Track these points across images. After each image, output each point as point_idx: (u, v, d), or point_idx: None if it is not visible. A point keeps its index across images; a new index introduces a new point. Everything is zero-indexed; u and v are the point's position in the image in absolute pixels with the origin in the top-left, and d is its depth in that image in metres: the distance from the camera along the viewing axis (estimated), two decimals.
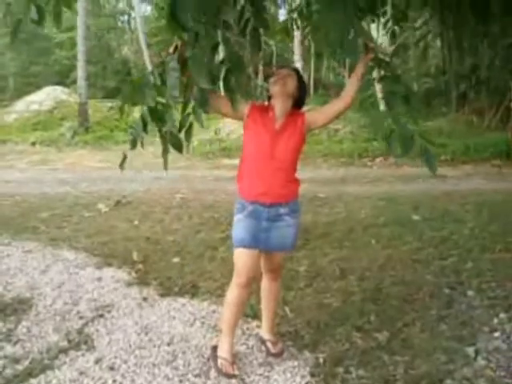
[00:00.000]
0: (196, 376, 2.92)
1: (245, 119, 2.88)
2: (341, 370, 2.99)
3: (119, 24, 32.34)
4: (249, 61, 19.57)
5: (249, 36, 2.91)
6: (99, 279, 4.44)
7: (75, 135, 16.45)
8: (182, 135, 2.76)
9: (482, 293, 4.12)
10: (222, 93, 2.77)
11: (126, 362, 3.07)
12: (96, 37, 27.63)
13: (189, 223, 6.41)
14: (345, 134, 15.23)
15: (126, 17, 32.41)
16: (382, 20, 4.19)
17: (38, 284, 4.30)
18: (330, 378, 2.90)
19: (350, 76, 2.83)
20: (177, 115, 2.65)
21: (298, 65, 16.85)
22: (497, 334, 3.43)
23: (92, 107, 18.09)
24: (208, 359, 3.08)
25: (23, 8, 2.17)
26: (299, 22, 4.68)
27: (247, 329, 3.49)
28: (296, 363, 3.07)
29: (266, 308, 3.23)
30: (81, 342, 3.31)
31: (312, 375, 2.94)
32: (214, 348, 3.08)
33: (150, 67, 16.50)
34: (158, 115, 2.57)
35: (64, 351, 3.18)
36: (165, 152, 2.74)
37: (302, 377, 2.93)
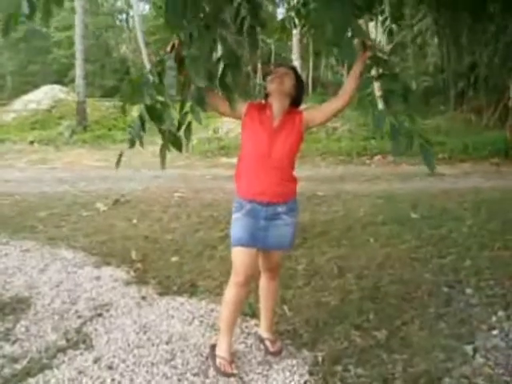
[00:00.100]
0: (195, 375, 2.92)
1: (242, 118, 2.88)
2: (339, 368, 2.99)
3: (117, 23, 32.32)
4: (247, 59, 19.58)
5: (246, 34, 2.91)
6: (98, 278, 4.43)
7: (73, 134, 16.44)
8: (181, 134, 2.76)
9: (481, 291, 4.13)
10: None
11: (124, 361, 3.06)
12: (94, 35, 27.63)
13: (187, 222, 6.40)
14: (343, 133, 15.24)
15: (124, 15, 32.45)
16: (380, 18, 4.20)
17: (36, 283, 4.30)
18: (328, 376, 2.90)
19: (348, 74, 2.83)
20: (175, 114, 2.65)
21: (297, 63, 16.86)
22: (495, 332, 3.43)
23: (90, 106, 18.10)
24: (207, 358, 3.07)
25: (14, 2, 2.15)
26: (297, 21, 4.69)
27: (246, 327, 3.49)
28: (295, 362, 3.07)
29: (264, 307, 3.22)
30: (79, 341, 3.30)
31: (311, 374, 2.94)
32: (213, 347, 3.08)
33: (148, 66, 16.49)
34: (156, 114, 2.57)
35: (62, 350, 3.18)
36: (163, 150, 2.74)
37: (301, 375, 2.93)
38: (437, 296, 4.03)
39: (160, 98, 2.54)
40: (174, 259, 4.89)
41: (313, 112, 2.93)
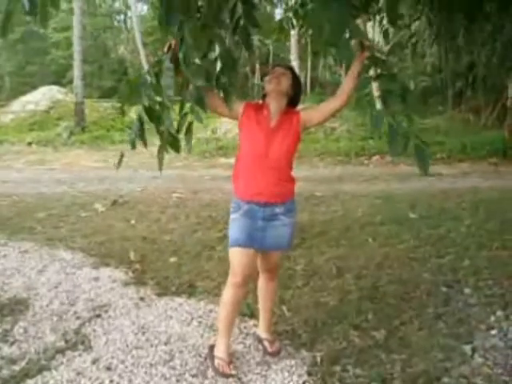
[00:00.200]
0: (193, 376, 2.92)
1: (239, 118, 2.88)
2: (338, 368, 2.99)
3: (115, 23, 32.26)
4: (245, 60, 19.58)
5: (239, 34, 2.91)
6: (96, 279, 4.43)
7: (71, 135, 16.43)
8: (181, 135, 2.75)
9: (479, 290, 4.13)
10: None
11: (123, 362, 3.06)
12: (92, 36, 27.55)
13: (186, 222, 6.40)
14: (341, 133, 15.26)
15: (122, 16, 32.37)
16: (377, 18, 4.20)
17: (34, 284, 4.29)
18: (327, 376, 2.90)
19: (346, 74, 2.83)
20: (174, 115, 2.65)
21: (295, 63, 16.84)
22: (494, 332, 3.43)
23: (88, 107, 18.08)
24: (205, 359, 3.07)
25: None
26: (295, 22, 4.70)
27: (244, 328, 3.49)
28: (293, 362, 3.06)
29: (262, 307, 3.22)
30: (78, 342, 3.30)
31: (309, 374, 2.94)
32: (211, 347, 3.08)
33: (146, 66, 16.51)
34: (154, 115, 2.57)
35: (61, 351, 3.17)
36: (161, 151, 2.74)
37: (300, 376, 2.93)
38: (435, 296, 4.03)
39: (158, 99, 2.53)
40: (172, 260, 4.89)
41: (310, 112, 2.93)
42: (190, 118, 2.74)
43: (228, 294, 2.94)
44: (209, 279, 4.38)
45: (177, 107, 2.74)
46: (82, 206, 7.21)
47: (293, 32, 14.51)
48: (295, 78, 2.94)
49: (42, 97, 19.80)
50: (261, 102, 2.97)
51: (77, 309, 3.81)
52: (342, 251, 5.13)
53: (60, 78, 25.66)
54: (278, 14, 19.20)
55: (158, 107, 2.55)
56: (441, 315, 3.68)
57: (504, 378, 2.90)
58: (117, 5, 32.25)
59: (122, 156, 2.83)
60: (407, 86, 2.89)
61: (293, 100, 2.93)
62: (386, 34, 4.39)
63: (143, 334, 3.42)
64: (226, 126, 15.15)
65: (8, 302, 3.90)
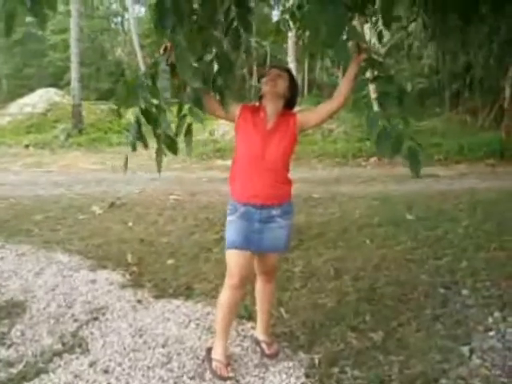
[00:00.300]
0: (191, 378, 2.91)
1: (236, 120, 2.88)
2: (336, 370, 2.98)
3: (112, 26, 32.29)
4: (243, 61, 19.57)
5: (230, 36, 2.91)
6: (93, 282, 4.42)
7: (69, 137, 16.43)
8: (180, 137, 2.75)
9: (477, 292, 4.13)
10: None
11: (120, 364, 3.05)
12: (89, 38, 27.56)
13: (183, 225, 6.40)
14: (339, 134, 15.28)
15: (119, 18, 32.44)
16: (373, 20, 4.21)
17: (31, 287, 4.28)
18: (325, 378, 2.89)
19: (343, 76, 2.83)
20: (172, 117, 2.64)
21: (292, 65, 16.88)
22: (491, 333, 3.43)
23: (86, 109, 18.09)
24: (203, 361, 3.06)
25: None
26: (291, 24, 4.69)
27: (242, 330, 3.48)
28: (291, 364, 3.06)
29: (260, 309, 3.22)
30: (75, 345, 3.29)
31: (307, 376, 2.93)
32: (209, 350, 3.07)
33: (143, 68, 16.49)
34: (152, 117, 2.57)
35: (58, 354, 3.16)
36: (159, 154, 2.73)
37: (297, 378, 2.92)
38: (433, 297, 4.03)
39: (155, 102, 2.53)
40: (169, 262, 4.88)
41: (307, 114, 2.93)
42: (188, 119, 2.73)
43: (225, 295, 2.94)
44: (206, 281, 4.37)
45: (175, 109, 2.74)
46: (79, 209, 7.20)
47: (290, 34, 14.56)
48: (292, 80, 2.94)
49: (39, 99, 19.80)
50: (257, 103, 2.97)
51: (74, 311, 3.80)
52: (340, 253, 5.13)
53: (57, 80, 25.66)
54: (275, 15, 19.20)
55: (154, 110, 2.54)
56: (438, 317, 3.68)
57: (502, 379, 2.90)
58: (114, 7, 32.29)
59: (126, 159, 2.84)
60: (404, 88, 2.89)
61: (289, 102, 2.93)
62: (380, 35, 4.39)
63: (140, 336, 3.41)
64: (223, 128, 15.16)
65: (5, 305, 3.89)
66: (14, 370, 2.98)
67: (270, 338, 3.23)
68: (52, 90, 21.00)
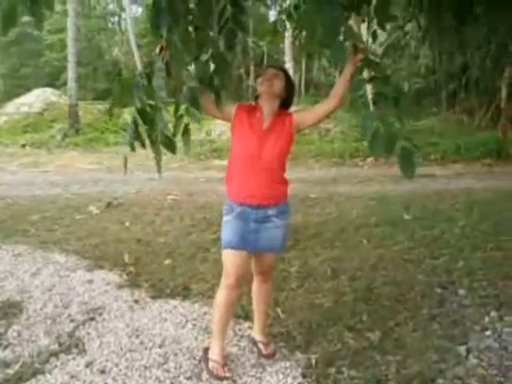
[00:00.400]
0: (188, 378, 2.91)
1: (232, 120, 2.87)
2: (333, 370, 2.98)
3: (109, 25, 32.19)
4: (240, 61, 19.58)
5: (224, 35, 2.91)
6: (90, 282, 4.41)
7: (65, 137, 16.39)
8: (178, 138, 2.74)
9: (474, 292, 4.14)
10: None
11: (117, 365, 3.05)
12: (86, 38, 27.49)
13: (180, 225, 6.39)
14: (336, 134, 15.28)
15: (116, 18, 32.33)
16: (368, 19, 4.20)
17: (28, 287, 4.27)
18: (322, 378, 2.90)
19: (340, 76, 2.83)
20: (169, 117, 2.63)
21: (289, 65, 16.87)
22: (488, 333, 3.44)
23: (82, 109, 18.05)
24: (200, 361, 3.06)
25: None
26: (288, 24, 4.70)
27: (239, 330, 3.48)
28: (288, 364, 3.06)
29: (257, 310, 3.22)
30: (72, 345, 3.29)
31: (304, 376, 2.94)
32: (206, 350, 3.07)
33: (140, 68, 16.47)
34: (148, 117, 2.56)
35: (55, 355, 3.16)
36: (157, 155, 2.72)
37: (294, 378, 2.92)
38: (430, 297, 4.04)
39: (151, 102, 2.52)
40: (166, 262, 4.88)
41: (304, 114, 2.93)
42: (185, 119, 2.73)
43: (221, 295, 2.94)
44: (203, 281, 4.37)
45: (171, 109, 2.73)
46: (76, 209, 7.19)
47: (287, 34, 14.56)
48: (288, 80, 2.94)
49: (35, 99, 19.74)
50: (253, 103, 2.97)
51: (71, 312, 3.80)
52: (337, 253, 5.13)
53: (54, 80, 25.58)
54: (272, 15, 19.20)
55: (149, 109, 2.53)
56: (435, 316, 3.68)
57: (499, 378, 2.90)
58: (111, 7, 32.23)
59: (125, 160, 2.82)
60: (401, 88, 2.89)
61: (286, 102, 2.93)
62: (374, 35, 4.39)
63: (137, 336, 3.41)
64: (220, 128, 15.15)
65: (1, 306, 3.88)
66: (10, 371, 2.98)
67: (266, 338, 3.23)
68: (49, 90, 20.93)
